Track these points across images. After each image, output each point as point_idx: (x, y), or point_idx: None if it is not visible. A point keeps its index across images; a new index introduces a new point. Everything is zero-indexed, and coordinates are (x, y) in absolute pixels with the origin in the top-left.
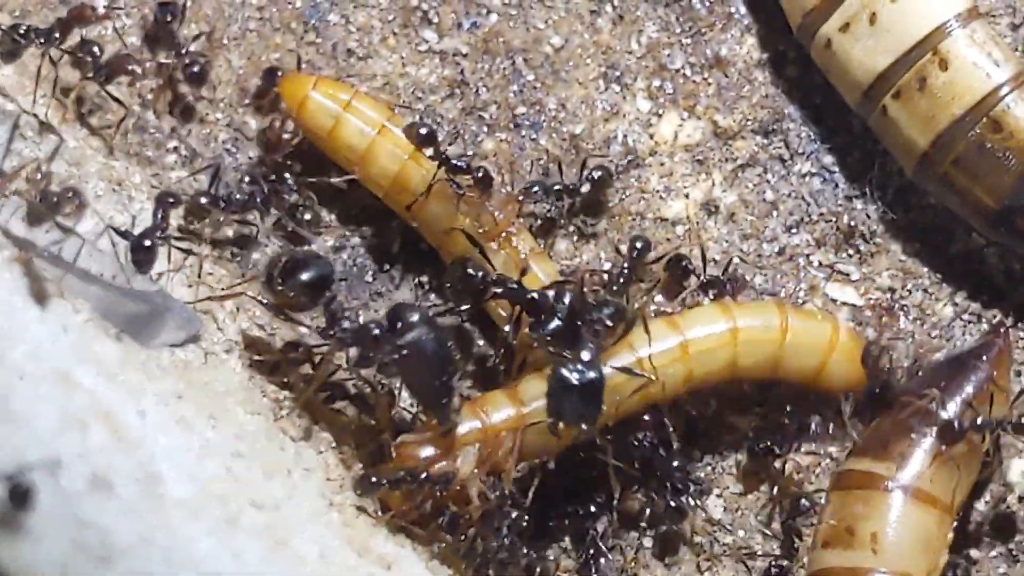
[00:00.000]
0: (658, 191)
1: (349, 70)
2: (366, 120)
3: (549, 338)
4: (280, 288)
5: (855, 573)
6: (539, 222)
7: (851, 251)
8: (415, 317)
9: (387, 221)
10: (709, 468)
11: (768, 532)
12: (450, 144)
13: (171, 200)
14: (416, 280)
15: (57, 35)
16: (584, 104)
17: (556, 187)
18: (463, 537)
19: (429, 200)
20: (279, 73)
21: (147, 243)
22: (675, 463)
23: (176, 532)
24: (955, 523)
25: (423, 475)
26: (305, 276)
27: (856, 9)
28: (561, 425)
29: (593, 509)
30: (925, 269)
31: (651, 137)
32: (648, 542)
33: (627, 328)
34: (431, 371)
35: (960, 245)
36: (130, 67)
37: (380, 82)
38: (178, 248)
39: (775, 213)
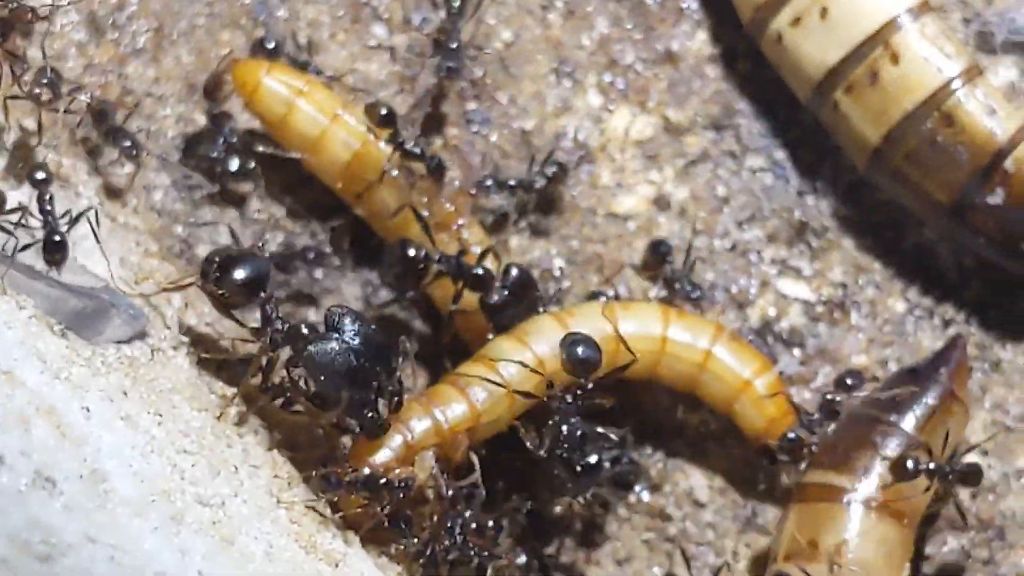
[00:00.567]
0: (609, 187)
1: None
2: (320, 107)
3: (495, 312)
4: (216, 286)
5: None
6: (491, 219)
7: (803, 247)
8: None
9: (336, 217)
10: (660, 465)
11: (719, 527)
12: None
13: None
14: (365, 278)
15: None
16: (535, 100)
17: (510, 182)
18: (415, 538)
19: (381, 189)
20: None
21: (56, 238)
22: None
23: (121, 530)
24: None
25: (383, 480)
26: (240, 274)
27: (807, 3)
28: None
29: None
30: (877, 264)
31: (602, 132)
32: (598, 539)
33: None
34: (344, 382)
35: (912, 240)
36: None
37: (328, 77)
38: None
39: (726, 208)
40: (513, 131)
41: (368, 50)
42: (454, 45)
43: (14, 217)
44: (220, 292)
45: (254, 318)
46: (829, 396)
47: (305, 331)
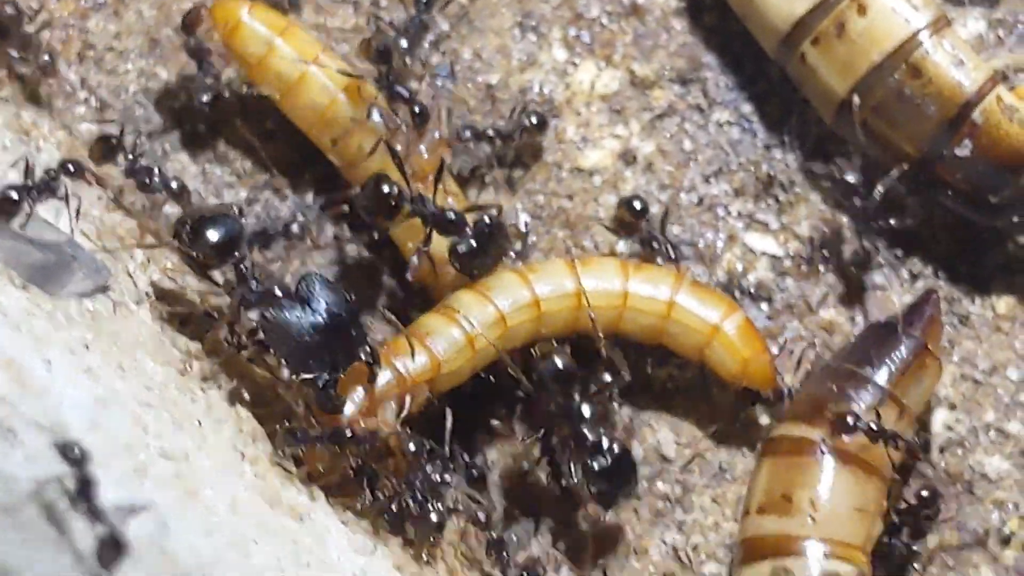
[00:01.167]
0: (575, 141)
1: None
2: (300, 49)
3: (463, 259)
4: (190, 247)
5: (791, 540)
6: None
7: (770, 200)
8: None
9: (303, 173)
10: (628, 420)
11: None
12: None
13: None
14: (334, 235)
15: None
16: (500, 54)
17: (488, 131)
18: (381, 492)
19: (356, 135)
20: None
21: (12, 195)
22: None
23: None
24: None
25: (348, 434)
26: (213, 235)
27: None
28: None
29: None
30: (845, 219)
31: (567, 87)
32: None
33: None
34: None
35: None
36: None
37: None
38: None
39: (693, 163)
40: (478, 85)
41: (332, 3)
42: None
43: None
44: (194, 253)
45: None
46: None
47: (278, 294)
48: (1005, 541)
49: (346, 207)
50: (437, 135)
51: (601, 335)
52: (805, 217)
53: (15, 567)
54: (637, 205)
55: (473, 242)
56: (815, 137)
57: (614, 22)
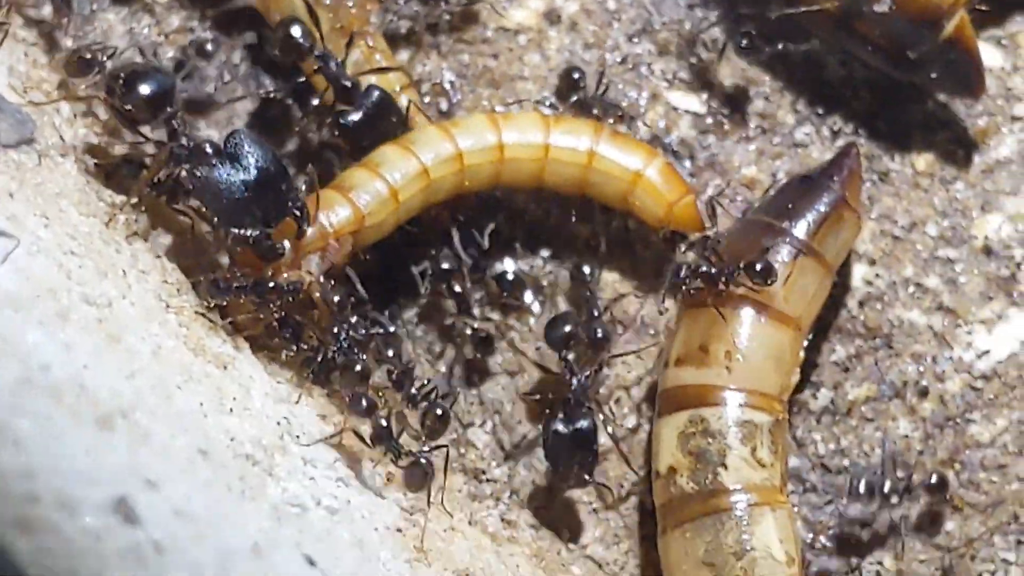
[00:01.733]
0: (500, 0)
1: None
2: None
3: (344, 129)
4: (121, 101)
5: (709, 390)
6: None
7: (693, 59)
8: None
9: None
10: (552, 277)
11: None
12: None
13: None
14: (263, 90)
15: None
16: None
17: None
18: (304, 344)
19: None
20: None
21: None
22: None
23: (4, 323)
24: (807, 341)
25: (271, 285)
26: (145, 90)
27: None
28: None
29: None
30: (766, 76)
31: None
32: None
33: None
34: (241, 208)
35: (801, 51)
36: None
37: None
38: None
39: (616, 23)
40: None
41: None
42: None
43: None
44: (125, 107)
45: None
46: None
47: (209, 150)
48: (923, 393)
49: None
50: None
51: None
52: (727, 76)
53: None
54: (576, 75)
55: (359, 115)
56: None
57: None
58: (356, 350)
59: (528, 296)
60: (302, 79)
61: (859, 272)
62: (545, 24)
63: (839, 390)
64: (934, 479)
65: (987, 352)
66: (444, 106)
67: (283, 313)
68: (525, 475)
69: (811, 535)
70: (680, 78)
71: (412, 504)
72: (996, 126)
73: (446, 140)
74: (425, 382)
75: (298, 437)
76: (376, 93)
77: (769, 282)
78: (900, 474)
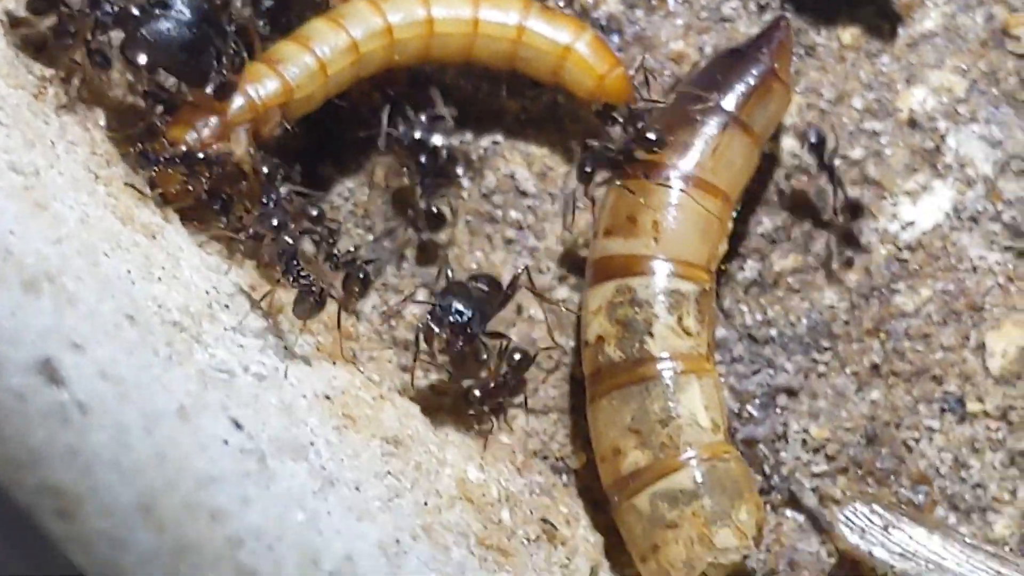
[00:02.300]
0: None
1: None
2: None
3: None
4: None
5: (637, 260)
6: None
7: None
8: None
9: None
10: (482, 151)
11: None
12: None
13: None
14: None
15: None
16: None
17: None
18: (234, 216)
19: None
20: None
21: None
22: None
23: None
24: (735, 213)
25: (200, 156)
26: None
27: None
28: None
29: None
30: None
31: None
32: None
33: None
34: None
35: None
36: None
37: None
38: None
39: None
40: None
41: None
42: None
43: None
44: None
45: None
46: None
47: (136, 12)
48: (847, 264)
49: None
50: None
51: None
52: None
53: None
54: None
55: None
56: None
57: None
58: (285, 220)
59: (459, 170)
60: None
61: (787, 145)
62: None
63: (766, 261)
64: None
65: (912, 223)
66: None
67: (213, 185)
68: None
69: (738, 404)
70: None
71: (341, 374)
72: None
73: (376, 14)
74: (352, 248)
75: (227, 306)
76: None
77: (659, 148)
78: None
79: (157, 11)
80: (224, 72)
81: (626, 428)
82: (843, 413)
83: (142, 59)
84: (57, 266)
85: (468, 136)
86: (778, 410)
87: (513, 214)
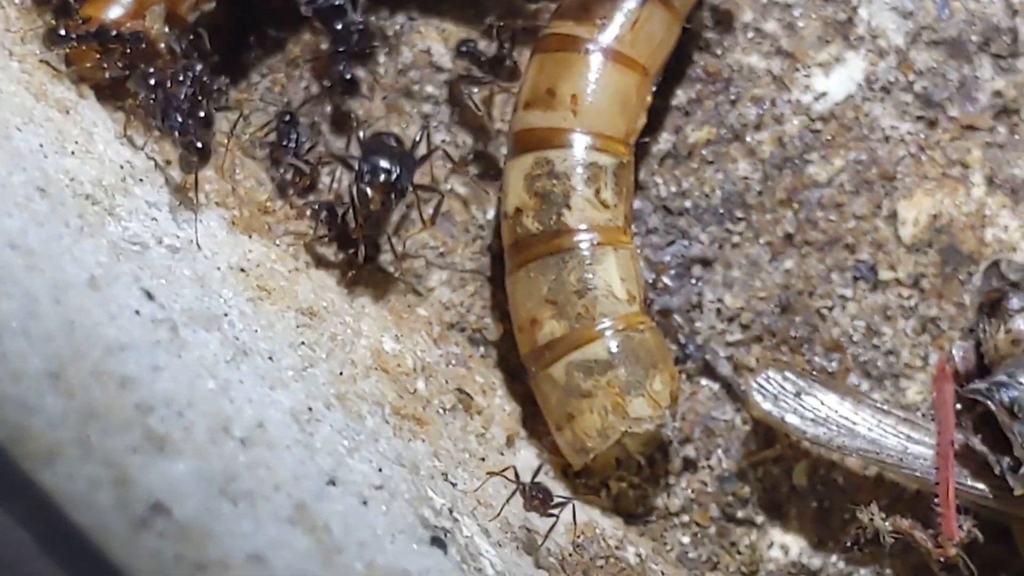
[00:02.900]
0: None
1: None
2: None
3: None
4: None
5: (555, 133)
6: None
7: None
8: None
9: None
10: (398, 27)
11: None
12: None
13: None
14: None
15: None
16: None
17: None
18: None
19: None
20: None
21: None
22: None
23: None
24: (654, 87)
25: (114, 33)
26: None
27: None
28: None
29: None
30: None
31: None
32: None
33: None
34: None
35: None
36: None
37: None
38: None
39: None
40: None
41: None
42: None
43: None
44: None
45: None
46: None
47: None
48: (761, 135)
49: None
50: None
51: None
52: None
53: None
54: None
55: None
56: None
57: None
58: (199, 96)
59: (375, 44)
60: None
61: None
62: None
63: (680, 134)
64: None
65: (824, 94)
66: None
67: (127, 62)
68: None
69: (653, 275)
70: None
71: (256, 247)
72: None
73: None
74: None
75: (141, 180)
76: None
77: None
78: None
79: None
80: None
81: (543, 299)
82: (757, 283)
83: None
84: None
85: (384, 12)
86: (693, 280)
87: (429, 89)
